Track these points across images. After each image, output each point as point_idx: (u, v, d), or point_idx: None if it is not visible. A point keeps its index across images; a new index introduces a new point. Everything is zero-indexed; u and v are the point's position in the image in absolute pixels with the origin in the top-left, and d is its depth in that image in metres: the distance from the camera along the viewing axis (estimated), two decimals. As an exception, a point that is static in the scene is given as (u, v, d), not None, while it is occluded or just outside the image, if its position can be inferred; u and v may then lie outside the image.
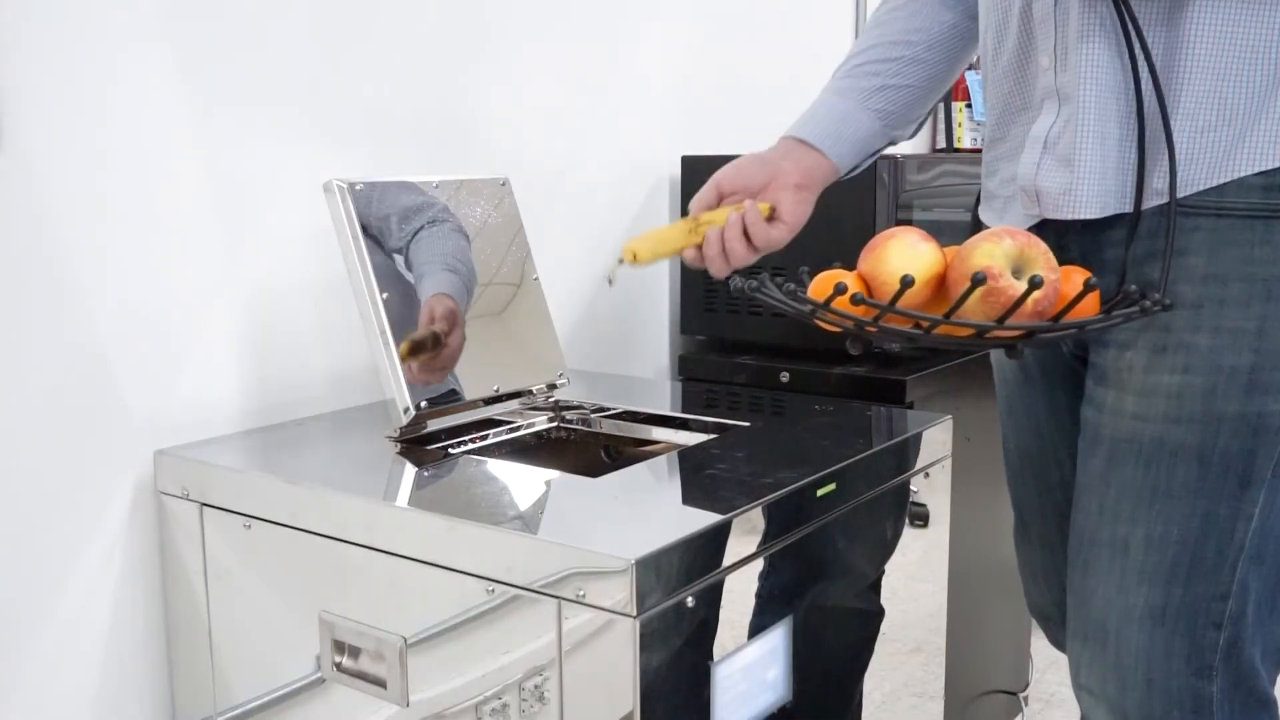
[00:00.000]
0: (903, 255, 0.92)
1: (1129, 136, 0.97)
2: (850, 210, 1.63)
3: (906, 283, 0.87)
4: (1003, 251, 0.88)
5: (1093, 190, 0.98)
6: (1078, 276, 0.89)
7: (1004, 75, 1.07)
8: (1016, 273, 0.88)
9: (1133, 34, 0.93)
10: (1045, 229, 1.03)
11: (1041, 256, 0.88)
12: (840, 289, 0.89)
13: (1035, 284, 0.84)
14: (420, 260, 1.28)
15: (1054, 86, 1.00)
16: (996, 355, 1.26)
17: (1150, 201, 0.97)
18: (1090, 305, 0.91)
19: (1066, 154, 0.98)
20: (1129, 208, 0.97)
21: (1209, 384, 0.95)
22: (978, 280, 0.85)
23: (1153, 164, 0.96)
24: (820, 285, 0.95)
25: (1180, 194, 0.95)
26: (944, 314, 0.88)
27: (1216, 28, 0.92)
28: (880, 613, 1.25)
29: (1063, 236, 1.03)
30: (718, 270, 1.12)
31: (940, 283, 0.92)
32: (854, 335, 0.93)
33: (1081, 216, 0.99)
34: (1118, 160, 0.97)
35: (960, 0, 1.20)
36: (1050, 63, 1.00)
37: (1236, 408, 0.94)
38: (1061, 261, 1.01)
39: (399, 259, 1.26)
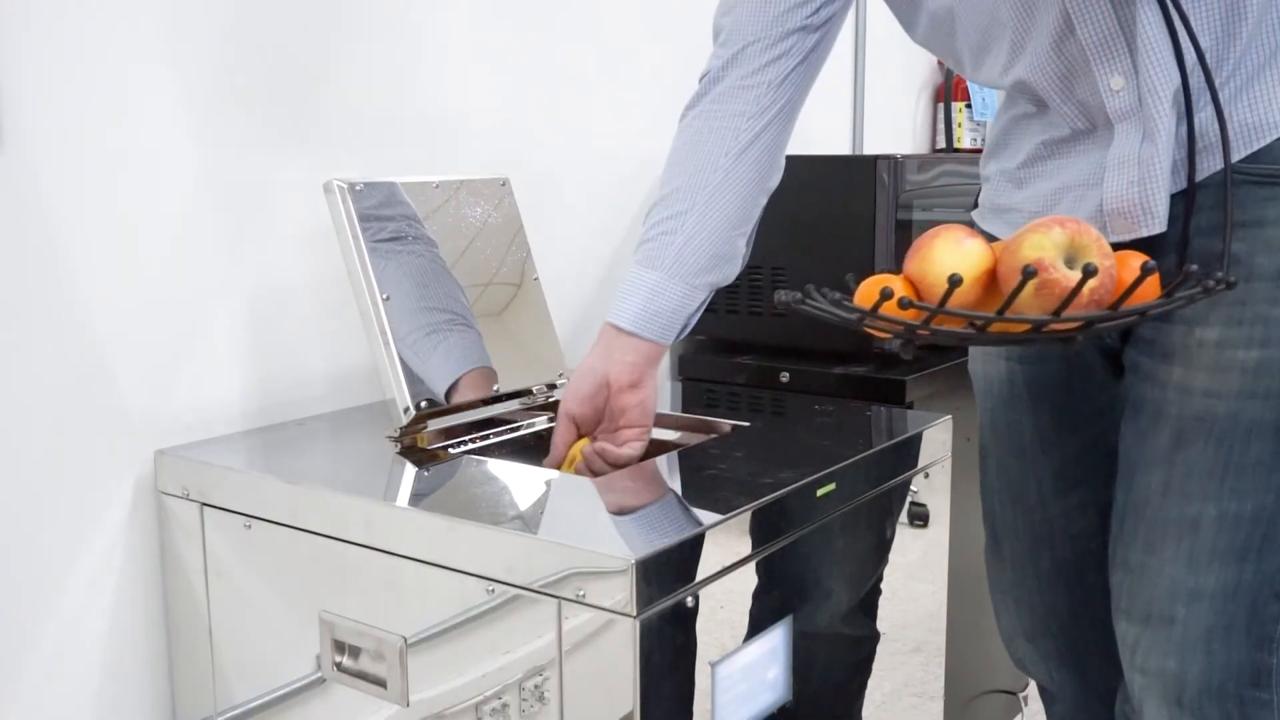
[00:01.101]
0: (949, 254, 0.88)
1: (1183, 117, 0.95)
2: (850, 210, 1.63)
3: (955, 282, 0.83)
4: (1053, 241, 0.85)
5: (1169, 185, 0.96)
6: (1134, 261, 0.87)
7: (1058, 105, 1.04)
8: (1069, 262, 0.85)
9: (1173, 13, 0.91)
10: None
11: (1094, 243, 0.85)
12: (887, 294, 0.85)
13: (1090, 272, 0.81)
14: (413, 306, 1.25)
15: (1136, 104, 0.97)
16: (982, 367, 1.24)
17: (1205, 171, 0.95)
18: (1149, 288, 0.87)
19: (1154, 163, 0.96)
20: (1182, 183, 0.96)
21: None
22: (1029, 274, 0.81)
23: (1204, 138, 0.95)
24: (867, 291, 0.91)
25: (1246, 151, 0.94)
26: (997, 311, 0.85)
27: None
28: (879, 613, 1.25)
29: None
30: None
31: (990, 279, 0.89)
32: (905, 339, 0.90)
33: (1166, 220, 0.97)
34: (1175, 150, 0.96)
35: (778, 100, 1.14)
36: (1126, 82, 0.97)
37: None
38: (1118, 245, 0.98)
39: (393, 259, 1.26)
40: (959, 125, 2.73)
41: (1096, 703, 1.25)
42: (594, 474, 1.17)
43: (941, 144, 2.77)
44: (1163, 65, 0.94)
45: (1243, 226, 0.95)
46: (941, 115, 2.77)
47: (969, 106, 2.72)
